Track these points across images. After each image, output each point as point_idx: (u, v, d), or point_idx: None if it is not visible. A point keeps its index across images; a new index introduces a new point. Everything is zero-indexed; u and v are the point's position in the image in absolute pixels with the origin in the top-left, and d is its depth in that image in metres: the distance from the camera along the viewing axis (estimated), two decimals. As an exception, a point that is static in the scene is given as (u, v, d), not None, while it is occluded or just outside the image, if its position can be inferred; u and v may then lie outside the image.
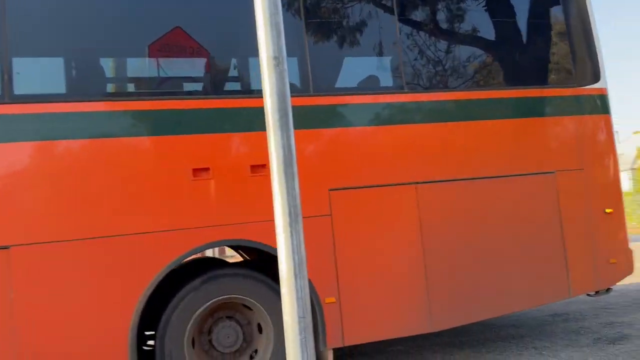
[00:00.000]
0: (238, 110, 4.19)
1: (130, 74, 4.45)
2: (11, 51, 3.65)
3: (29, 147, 3.67)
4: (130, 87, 4.45)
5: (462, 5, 5.06)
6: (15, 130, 3.62)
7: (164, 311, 3.91)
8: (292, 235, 1.83)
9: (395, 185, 4.41)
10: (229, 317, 4.18)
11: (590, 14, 5.32)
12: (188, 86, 4.51)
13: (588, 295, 5.11)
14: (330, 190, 4.16)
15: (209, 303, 3.99)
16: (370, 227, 4.30)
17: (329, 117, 4.42)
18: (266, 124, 1.82)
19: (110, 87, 4.39)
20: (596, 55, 5.30)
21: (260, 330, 4.22)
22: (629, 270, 5.07)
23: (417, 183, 4.46)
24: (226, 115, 4.14)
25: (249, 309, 4.20)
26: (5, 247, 3.50)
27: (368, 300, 4.26)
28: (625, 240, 5.12)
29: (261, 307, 4.11)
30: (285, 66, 1.85)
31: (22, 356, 3.48)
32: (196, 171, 3.97)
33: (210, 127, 4.06)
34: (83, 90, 4.06)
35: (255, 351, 4.22)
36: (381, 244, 4.34)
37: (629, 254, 5.08)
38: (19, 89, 3.69)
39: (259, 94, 4.27)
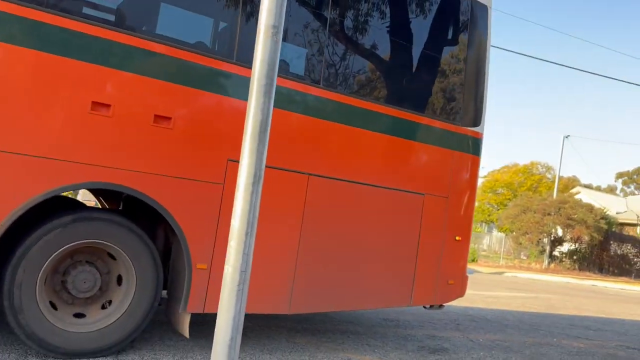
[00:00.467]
0: (153, 55, 4.01)
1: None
2: None
3: None
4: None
5: (381, 24, 5.34)
6: None
7: (21, 240, 3.64)
8: (252, 195, 1.87)
9: (292, 171, 4.56)
10: (89, 263, 4.02)
11: (487, 64, 5.96)
12: (98, 14, 4.19)
13: (424, 307, 5.72)
14: (230, 160, 4.17)
15: (75, 243, 3.80)
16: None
17: (241, 88, 4.42)
18: (250, 88, 1.83)
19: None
20: (482, 103, 5.94)
21: (119, 282, 4.11)
22: (462, 293, 5.78)
23: (310, 174, 4.65)
24: (140, 55, 3.95)
25: (113, 258, 4.07)
26: None
27: (237, 273, 4.34)
28: (464, 267, 5.83)
29: (127, 258, 4.01)
30: (281, 36, 1.88)
31: None
32: (95, 105, 3.74)
33: (120, 64, 3.85)
34: None
35: (110, 302, 4.10)
36: (264, 222, 4.44)
37: (465, 279, 5.80)
38: None
39: (173, 42, 4.19)
